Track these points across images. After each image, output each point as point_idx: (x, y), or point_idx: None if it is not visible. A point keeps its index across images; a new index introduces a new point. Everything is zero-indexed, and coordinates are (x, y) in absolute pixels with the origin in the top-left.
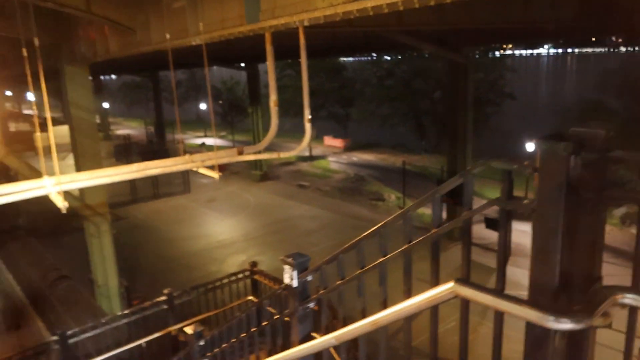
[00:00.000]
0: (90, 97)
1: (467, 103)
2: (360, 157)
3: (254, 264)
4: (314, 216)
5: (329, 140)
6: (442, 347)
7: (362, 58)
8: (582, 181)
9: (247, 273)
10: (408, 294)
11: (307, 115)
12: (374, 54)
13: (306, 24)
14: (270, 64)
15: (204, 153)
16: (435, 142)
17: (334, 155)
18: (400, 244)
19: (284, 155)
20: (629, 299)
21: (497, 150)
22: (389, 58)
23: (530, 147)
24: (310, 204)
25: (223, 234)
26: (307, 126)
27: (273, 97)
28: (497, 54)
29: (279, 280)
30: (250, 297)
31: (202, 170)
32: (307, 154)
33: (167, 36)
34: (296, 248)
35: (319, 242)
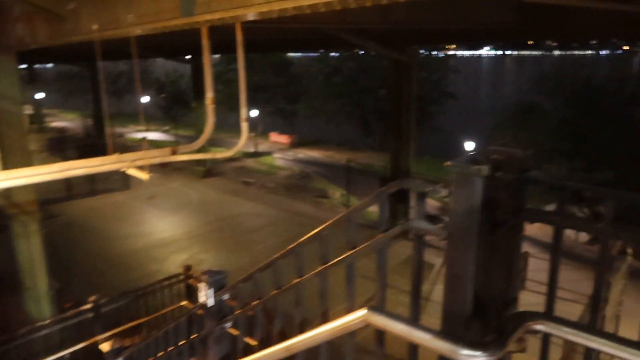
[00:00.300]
0: (18, 87)
1: (411, 102)
2: (306, 153)
3: (188, 268)
4: (259, 213)
5: (275, 137)
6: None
7: (310, 54)
8: (498, 203)
9: (180, 277)
10: (324, 317)
11: (244, 115)
12: (322, 51)
13: (242, 19)
14: (206, 60)
15: (134, 152)
16: (380, 140)
17: (280, 151)
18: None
19: (220, 155)
20: (542, 325)
21: (438, 148)
22: (336, 55)
23: (468, 146)
24: (255, 200)
25: (164, 232)
26: (244, 126)
27: (209, 95)
28: (441, 54)
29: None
30: (184, 303)
31: (131, 171)
32: (252, 150)
33: (94, 26)
34: (240, 246)
35: (264, 240)
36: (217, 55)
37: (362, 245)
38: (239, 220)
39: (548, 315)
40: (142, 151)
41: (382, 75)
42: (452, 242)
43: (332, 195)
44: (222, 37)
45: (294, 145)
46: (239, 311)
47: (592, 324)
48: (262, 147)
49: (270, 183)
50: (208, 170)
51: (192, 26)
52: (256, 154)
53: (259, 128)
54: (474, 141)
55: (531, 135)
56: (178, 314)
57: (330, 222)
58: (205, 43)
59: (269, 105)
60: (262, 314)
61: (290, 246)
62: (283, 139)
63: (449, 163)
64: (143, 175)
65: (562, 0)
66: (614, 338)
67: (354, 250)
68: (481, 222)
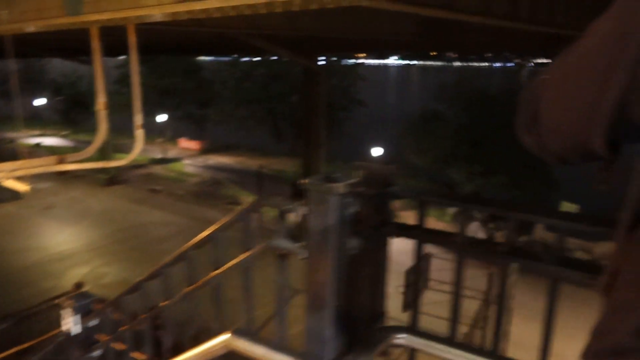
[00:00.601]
0: None
1: (320, 108)
2: (217, 160)
3: (78, 285)
4: (167, 222)
5: (184, 142)
6: None
7: (221, 59)
8: (361, 218)
9: (70, 295)
10: (192, 343)
11: (139, 121)
12: (235, 55)
13: (134, 21)
14: (97, 62)
15: (13, 162)
16: (292, 145)
17: (189, 157)
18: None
19: (114, 164)
20: (404, 339)
21: (349, 153)
22: (248, 60)
23: (376, 151)
24: (163, 209)
25: (62, 245)
26: (139, 133)
27: (101, 99)
28: (351, 61)
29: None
30: None
31: (7, 183)
32: (160, 156)
33: None
34: (146, 256)
35: (172, 250)
36: (122, 57)
37: (227, 265)
38: (145, 230)
39: (411, 329)
40: (22, 160)
41: (294, 82)
42: (311, 260)
43: (244, 202)
44: (123, 38)
45: (205, 151)
46: (106, 338)
47: (451, 334)
48: (171, 153)
49: (180, 190)
50: (112, 178)
51: (80, 26)
52: (164, 161)
53: (167, 133)
54: (381, 146)
55: (434, 142)
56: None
57: (192, 242)
58: (95, 44)
59: (178, 110)
60: (134, 340)
61: (155, 268)
62: (193, 144)
63: (305, 181)
64: (22, 187)
65: (455, 15)
66: (470, 349)
67: (218, 271)
68: (339, 240)
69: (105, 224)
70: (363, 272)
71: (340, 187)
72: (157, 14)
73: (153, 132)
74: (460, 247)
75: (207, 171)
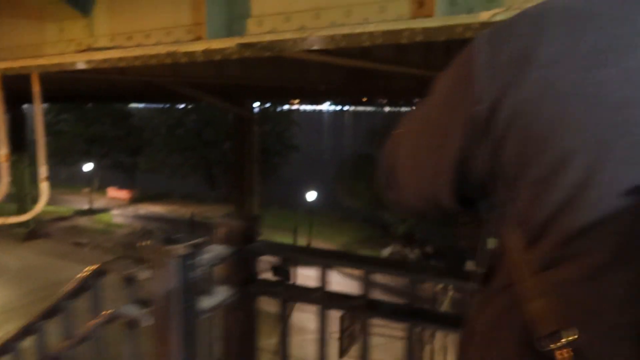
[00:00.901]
0: None
1: (253, 154)
2: (148, 209)
3: None
4: None
5: (113, 192)
6: None
7: (152, 106)
8: (222, 277)
9: None
10: None
11: (43, 174)
12: (165, 103)
13: (36, 70)
14: None
15: None
16: (226, 192)
17: (119, 207)
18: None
19: (13, 220)
20: None
21: (285, 198)
22: (179, 107)
23: (310, 196)
24: (88, 263)
25: None
26: (43, 186)
27: (2, 151)
28: (285, 108)
29: None
30: None
31: None
32: (86, 207)
33: None
34: None
35: None
36: (45, 105)
37: (76, 337)
38: None
39: None
40: None
41: (228, 128)
42: (156, 327)
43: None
44: (45, 86)
45: (135, 200)
46: None
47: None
48: (99, 203)
49: (107, 243)
50: (31, 232)
51: None
52: (91, 212)
53: (95, 183)
54: (317, 190)
55: (367, 184)
56: None
57: (39, 313)
58: None
59: (106, 158)
60: None
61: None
62: (123, 194)
63: (144, 243)
64: None
65: (373, 64)
66: None
67: (65, 343)
68: (185, 304)
69: (23, 283)
70: (228, 334)
71: (180, 248)
72: (57, 63)
73: (79, 181)
74: (321, 302)
75: (137, 221)
